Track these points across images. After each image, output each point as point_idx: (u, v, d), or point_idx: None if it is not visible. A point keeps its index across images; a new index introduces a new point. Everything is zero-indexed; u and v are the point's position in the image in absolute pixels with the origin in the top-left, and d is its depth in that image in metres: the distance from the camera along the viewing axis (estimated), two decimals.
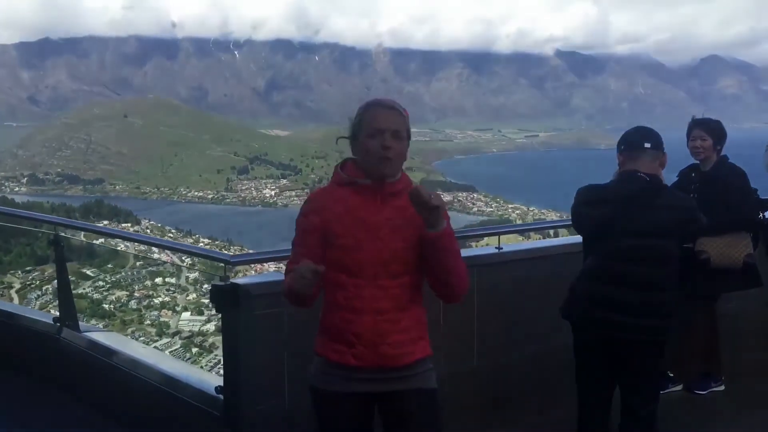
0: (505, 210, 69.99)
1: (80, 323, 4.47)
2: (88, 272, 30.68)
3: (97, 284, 30.31)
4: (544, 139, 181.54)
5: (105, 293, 29.79)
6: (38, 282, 29.01)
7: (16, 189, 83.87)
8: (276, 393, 3.29)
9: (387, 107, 2.40)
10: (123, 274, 30.59)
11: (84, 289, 29.80)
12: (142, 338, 26.13)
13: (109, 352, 4.12)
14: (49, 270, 30.07)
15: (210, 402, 3.41)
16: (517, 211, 67.24)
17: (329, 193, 2.43)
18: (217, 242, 44.83)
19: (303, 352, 3.17)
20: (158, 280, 30.88)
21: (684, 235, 3.22)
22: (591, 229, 3.26)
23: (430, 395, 2.46)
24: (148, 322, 27.49)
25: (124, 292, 29.90)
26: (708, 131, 4.39)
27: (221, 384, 3.38)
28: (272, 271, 4.00)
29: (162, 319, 27.61)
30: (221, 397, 3.35)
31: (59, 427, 4.08)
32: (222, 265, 3.38)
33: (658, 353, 3.21)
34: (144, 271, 31.43)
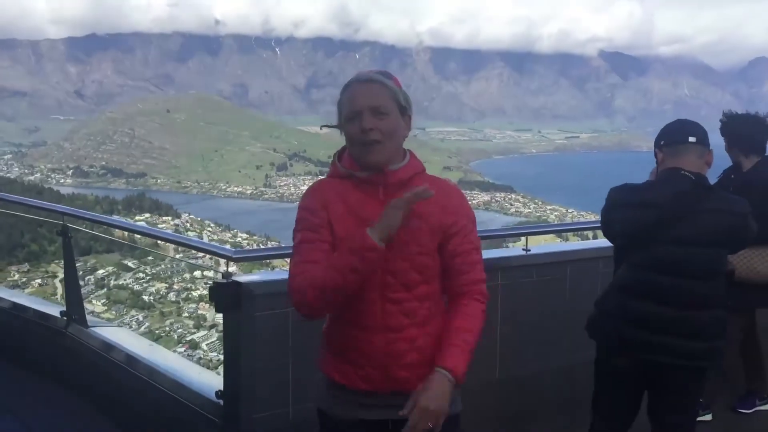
0: (544, 211, 69.39)
1: (88, 317, 4.30)
2: (129, 264, 31.25)
3: (137, 276, 30.87)
4: (585, 140, 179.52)
5: (145, 285, 30.31)
6: (81, 272, 29.64)
7: (62, 181, 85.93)
8: (280, 401, 3.07)
9: (363, 81, 1.99)
10: (163, 266, 31.05)
11: (125, 280, 30.42)
12: (180, 330, 26.57)
13: (113, 349, 3.95)
14: (92, 261, 30.76)
15: (210, 407, 3.20)
16: (556, 213, 66.60)
17: (331, 187, 2.06)
18: (254, 237, 45.35)
19: (309, 358, 3.01)
20: (197, 273, 31.32)
21: (734, 244, 2.80)
22: (625, 235, 2.83)
23: (452, 422, 2.06)
24: (186, 314, 27.88)
25: (164, 284, 30.37)
26: (724, 135, 3.97)
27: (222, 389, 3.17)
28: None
29: (200, 312, 27.99)
30: (221, 402, 3.15)
31: (57, 423, 3.96)
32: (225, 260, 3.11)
33: (699, 380, 2.84)
34: (183, 263, 31.89)
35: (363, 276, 1.87)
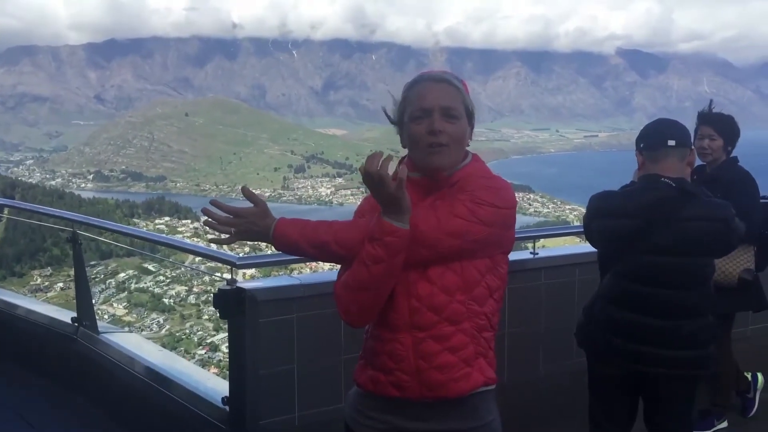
0: (563, 211, 68.77)
1: (99, 323, 4.31)
2: (150, 267, 31.52)
3: (157, 279, 31.13)
4: (604, 139, 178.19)
5: (165, 288, 30.55)
6: (102, 276, 30.00)
7: (83, 185, 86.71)
8: (285, 407, 3.06)
9: (435, 80, 1.87)
10: (183, 269, 31.30)
11: (145, 283, 30.70)
12: (200, 332, 26.75)
13: (123, 354, 3.96)
14: (113, 264, 31.08)
15: (216, 413, 3.19)
16: (575, 213, 65.97)
17: None
18: None
19: (314, 365, 3.09)
20: (217, 275, 31.49)
21: (718, 251, 2.69)
22: (603, 244, 2.79)
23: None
24: (206, 317, 28.06)
25: (184, 287, 30.58)
26: (718, 129, 3.71)
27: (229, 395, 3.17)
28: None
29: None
30: (227, 408, 3.14)
31: (66, 427, 4.00)
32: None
33: (692, 389, 2.73)
34: (203, 266, 32.02)
35: (389, 267, 1.73)
